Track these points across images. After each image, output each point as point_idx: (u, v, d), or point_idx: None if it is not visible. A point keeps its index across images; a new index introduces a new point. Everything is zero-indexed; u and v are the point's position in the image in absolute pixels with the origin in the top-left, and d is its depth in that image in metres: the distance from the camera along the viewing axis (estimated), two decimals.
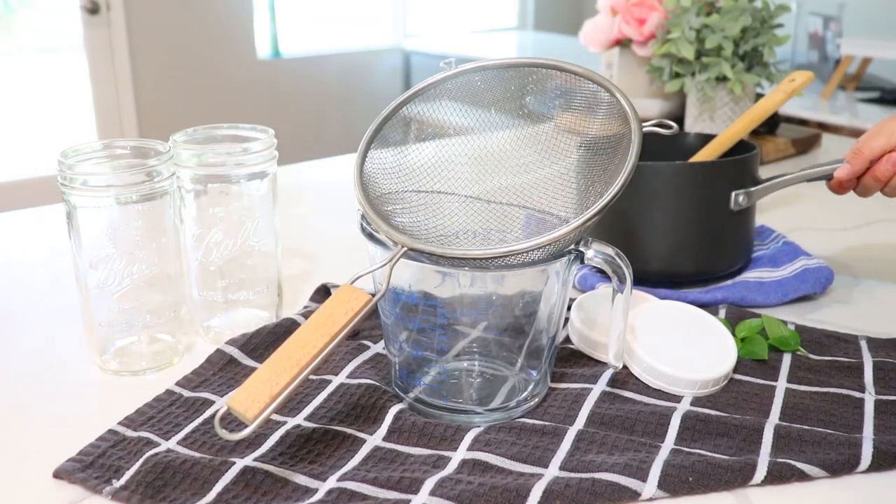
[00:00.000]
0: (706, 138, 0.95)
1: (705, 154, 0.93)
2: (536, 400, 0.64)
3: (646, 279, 0.84)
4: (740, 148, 0.91)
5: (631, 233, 0.84)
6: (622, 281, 0.60)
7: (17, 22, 3.22)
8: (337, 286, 0.81)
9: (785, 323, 0.77)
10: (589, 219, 0.56)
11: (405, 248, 0.57)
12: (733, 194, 0.83)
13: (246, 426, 0.51)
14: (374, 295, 0.56)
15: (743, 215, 0.85)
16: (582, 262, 0.60)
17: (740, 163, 0.84)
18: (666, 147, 0.95)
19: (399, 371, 0.65)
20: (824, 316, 0.81)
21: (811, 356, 0.72)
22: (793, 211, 1.13)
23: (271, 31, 3.65)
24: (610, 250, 0.59)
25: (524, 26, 4.63)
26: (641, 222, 0.84)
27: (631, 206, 0.83)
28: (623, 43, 1.39)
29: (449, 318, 0.61)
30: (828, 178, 0.81)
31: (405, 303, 0.61)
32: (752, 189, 0.83)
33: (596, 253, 0.59)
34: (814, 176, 0.83)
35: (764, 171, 0.86)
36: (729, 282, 0.86)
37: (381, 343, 0.72)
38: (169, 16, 3.23)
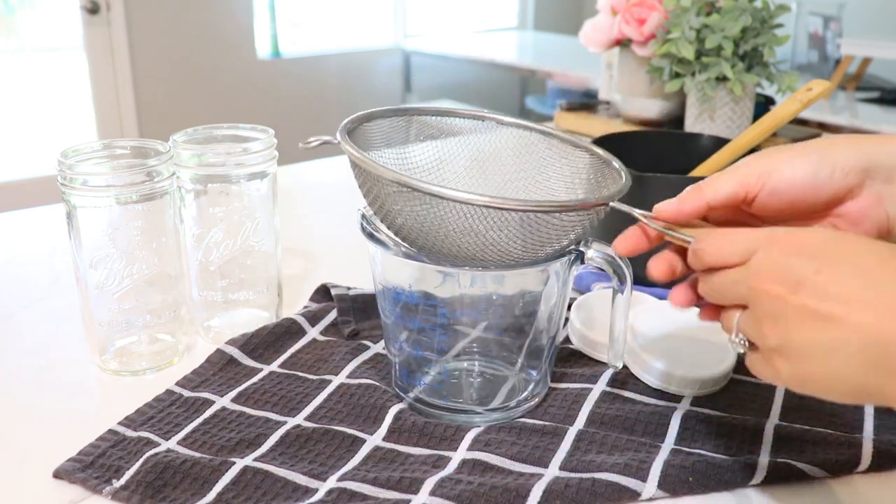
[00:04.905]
0: (719, 142, 0.93)
1: (714, 162, 0.91)
2: (536, 400, 0.64)
3: (639, 283, 0.83)
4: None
5: None
6: (622, 281, 0.59)
7: (17, 22, 3.23)
8: (337, 286, 0.81)
9: None
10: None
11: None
12: None
13: None
14: None
15: None
16: (582, 262, 0.60)
17: None
18: (678, 148, 0.94)
19: (399, 371, 0.64)
20: None
21: None
22: None
23: (271, 31, 3.65)
24: (610, 250, 0.59)
25: (524, 26, 4.63)
26: None
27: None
28: (623, 43, 1.39)
29: (449, 318, 0.61)
30: None
31: (405, 303, 0.61)
32: None
33: (596, 253, 0.59)
34: None
35: None
36: None
37: (381, 343, 0.72)
38: (169, 16, 3.23)
